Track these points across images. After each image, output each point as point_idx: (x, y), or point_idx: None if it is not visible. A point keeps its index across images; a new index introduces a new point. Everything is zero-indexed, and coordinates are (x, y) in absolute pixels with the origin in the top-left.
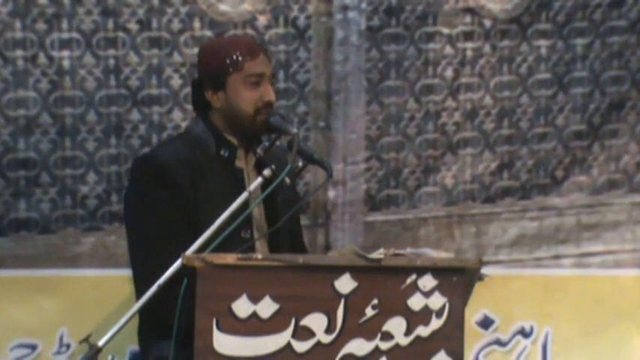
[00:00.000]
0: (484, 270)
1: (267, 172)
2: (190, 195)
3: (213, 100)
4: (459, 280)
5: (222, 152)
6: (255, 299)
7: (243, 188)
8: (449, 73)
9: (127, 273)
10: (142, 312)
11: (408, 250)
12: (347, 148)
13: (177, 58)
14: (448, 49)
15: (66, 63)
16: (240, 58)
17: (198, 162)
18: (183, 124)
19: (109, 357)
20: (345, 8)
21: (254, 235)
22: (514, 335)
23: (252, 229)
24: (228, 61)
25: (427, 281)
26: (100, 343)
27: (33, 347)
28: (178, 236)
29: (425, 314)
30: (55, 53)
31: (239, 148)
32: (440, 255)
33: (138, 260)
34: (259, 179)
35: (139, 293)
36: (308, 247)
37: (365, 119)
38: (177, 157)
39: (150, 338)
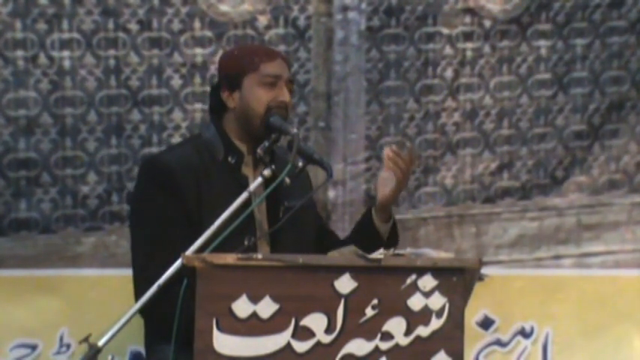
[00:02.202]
0: (484, 270)
1: (267, 172)
2: (194, 200)
3: (229, 100)
4: (459, 280)
5: (229, 159)
6: (255, 299)
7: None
8: (449, 73)
9: (127, 273)
10: (145, 316)
11: (408, 250)
12: (347, 148)
13: (177, 58)
14: (448, 50)
15: (66, 63)
16: (257, 59)
17: (204, 167)
18: (184, 124)
19: (109, 357)
20: (345, 9)
21: (256, 237)
22: (514, 336)
23: (254, 233)
24: (245, 61)
25: (427, 281)
26: (100, 343)
27: (33, 347)
28: (180, 240)
29: (425, 314)
30: (55, 53)
31: (247, 155)
32: (440, 255)
33: (138, 262)
34: (259, 179)
35: (137, 295)
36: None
37: (365, 119)
38: (182, 162)
39: (152, 342)
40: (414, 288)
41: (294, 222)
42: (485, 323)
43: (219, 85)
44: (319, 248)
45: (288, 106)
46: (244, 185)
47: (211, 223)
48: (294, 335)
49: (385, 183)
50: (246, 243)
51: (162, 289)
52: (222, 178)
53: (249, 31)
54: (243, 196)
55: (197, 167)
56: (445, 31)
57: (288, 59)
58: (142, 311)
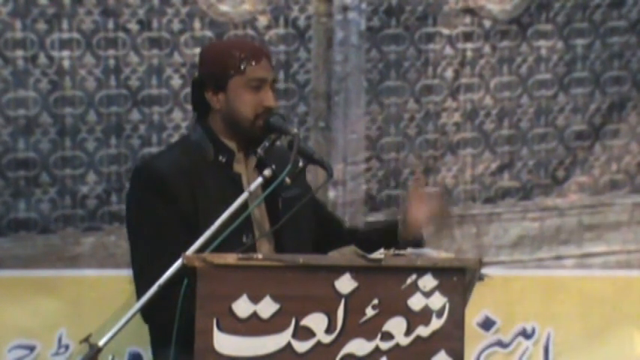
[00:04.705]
0: (485, 270)
1: (267, 172)
2: (189, 203)
3: (213, 101)
4: (460, 280)
5: (220, 158)
6: (255, 299)
7: (241, 192)
8: (449, 73)
9: (126, 273)
10: (148, 319)
11: (409, 250)
12: (347, 149)
13: (177, 58)
14: (448, 50)
15: (66, 63)
16: (243, 62)
17: (196, 169)
18: (184, 124)
19: (109, 357)
20: (345, 9)
21: (255, 237)
22: (515, 336)
23: (252, 232)
24: (231, 63)
25: (427, 281)
26: (101, 343)
27: (31, 348)
28: (178, 242)
29: (425, 314)
30: (55, 53)
31: (237, 153)
32: (440, 255)
33: (138, 267)
34: (259, 179)
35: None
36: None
37: (365, 119)
38: (175, 166)
39: (157, 345)
40: (415, 288)
41: (293, 217)
42: (487, 324)
43: (202, 82)
44: (321, 238)
45: (273, 111)
46: (238, 183)
47: (208, 223)
48: (294, 335)
49: (418, 206)
50: (244, 241)
51: (163, 291)
52: (215, 177)
53: (249, 31)
54: (244, 196)
55: (189, 169)
56: (445, 31)
57: (270, 56)
58: (145, 316)
